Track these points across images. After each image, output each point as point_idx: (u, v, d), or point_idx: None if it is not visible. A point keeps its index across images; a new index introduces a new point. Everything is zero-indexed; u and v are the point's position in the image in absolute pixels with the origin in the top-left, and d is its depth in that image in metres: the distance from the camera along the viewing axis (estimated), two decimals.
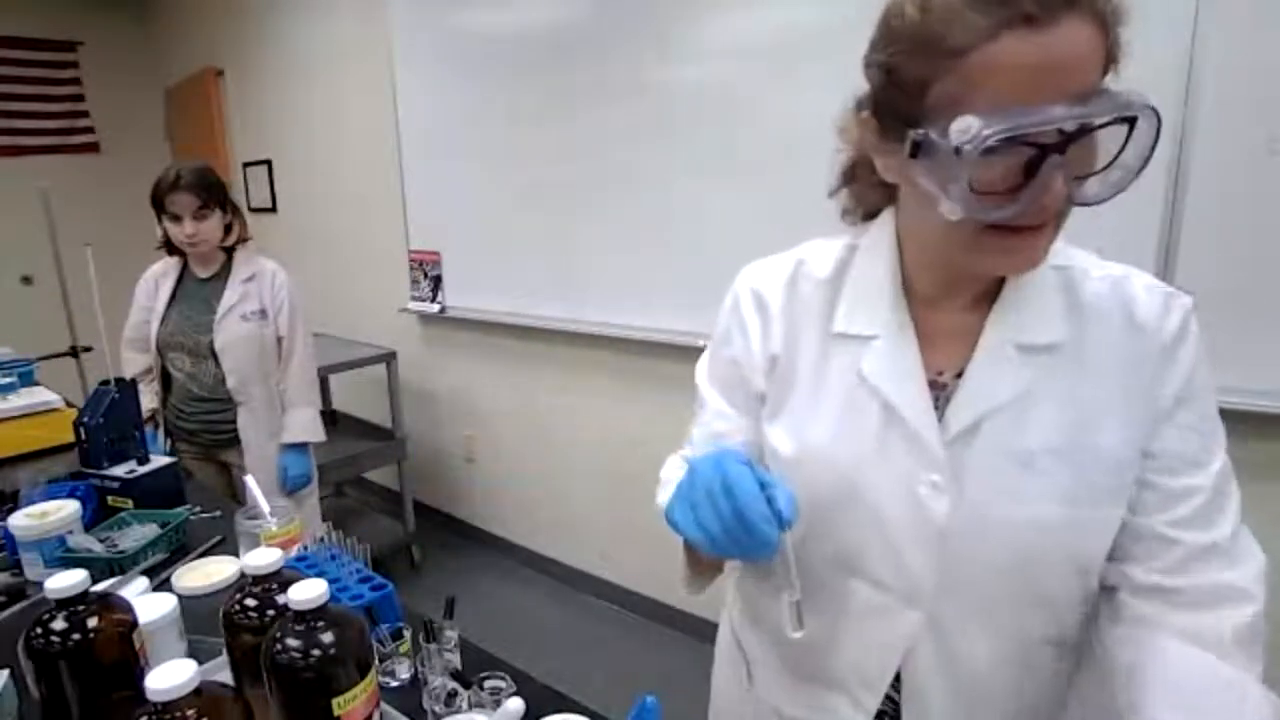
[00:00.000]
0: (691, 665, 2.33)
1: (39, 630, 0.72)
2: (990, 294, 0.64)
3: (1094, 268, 0.64)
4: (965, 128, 0.49)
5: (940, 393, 0.64)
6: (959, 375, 0.64)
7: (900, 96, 0.55)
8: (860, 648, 0.70)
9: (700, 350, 2.35)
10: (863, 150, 0.67)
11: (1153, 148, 0.52)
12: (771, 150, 1.91)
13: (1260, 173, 1.33)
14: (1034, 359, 0.62)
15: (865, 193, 0.72)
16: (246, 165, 4.03)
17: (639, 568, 2.59)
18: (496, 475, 3.04)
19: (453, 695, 0.81)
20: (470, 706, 0.80)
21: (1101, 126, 0.51)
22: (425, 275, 2.99)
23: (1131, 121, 0.51)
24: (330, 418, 3.04)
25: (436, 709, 0.80)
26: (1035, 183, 0.51)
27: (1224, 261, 1.38)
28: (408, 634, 0.94)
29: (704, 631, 2.39)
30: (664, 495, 0.74)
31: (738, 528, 0.55)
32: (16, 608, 1.08)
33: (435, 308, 2.97)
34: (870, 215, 0.72)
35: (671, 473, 0.81)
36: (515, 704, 0.68)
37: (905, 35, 0.54)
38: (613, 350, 2.45)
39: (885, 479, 0.64)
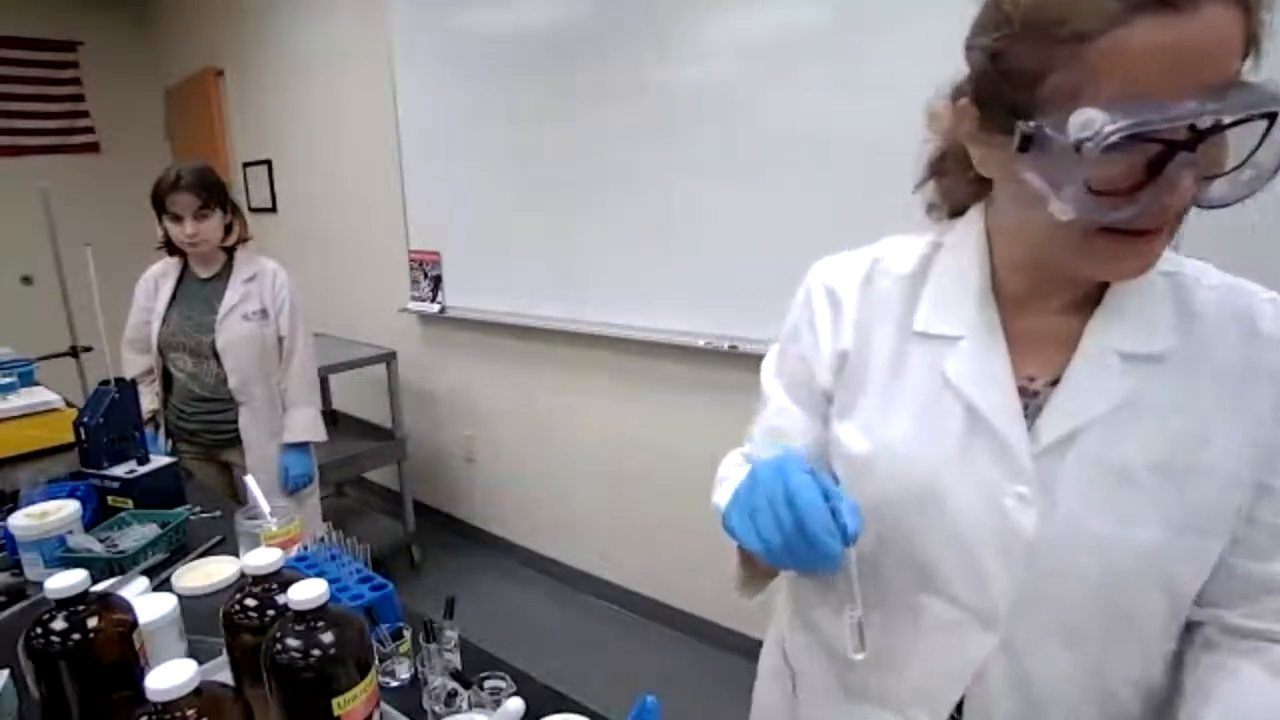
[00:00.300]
0: (691, 665, 2.34)
1: (39, 630, 0.72)
2: (1089, 298, 0.60)
3: (1205, 275, 0.61)
4: (1086, 122, 0.45)
5: (1030, 400, 0.60)
6: (1052, 383, 0.60)
7: (1008, 84, 0.51)
8: (925, 668, 0.65)
9: (700, 351, 2.35)
10: (955, 141, 0.62)
11: None
12: (771, 150, 1.91)
13: None
14: (1138, 368, 0.57)
15: (954, 187, 0.67)
16: (246, 165, 4.03)
17: (639, 568, 2.59)
18: (496, 475, 3.04)
19: (453, 695, 0.81)
20: (470, 706, 0.80)
21: (1240, 123, 0.47)
22: (425, 275, 2.99)
23: (1272, 117, 0.46)
24: (330, 418, 3.04)
25: (436, 709, 0.80)
26: (1159, 182, 0.47)
27: (1225, 263, 1.38)
28: (408, 634, 0.94)
29: (704, 631, 2.40)
30: (721, 495, 0.71)
31: (798, 540, 0.52)
32: (16, 608, 1.08)
33: (435, 308, 2.97)
34: (957, 212, 0.68)
35: (729, 470, 0.78)
36: (515, 704, 0.68)
37: (1019, 18, 0.49)
38: (613, 350, 2.45)
39: (966, 487, 0.60)
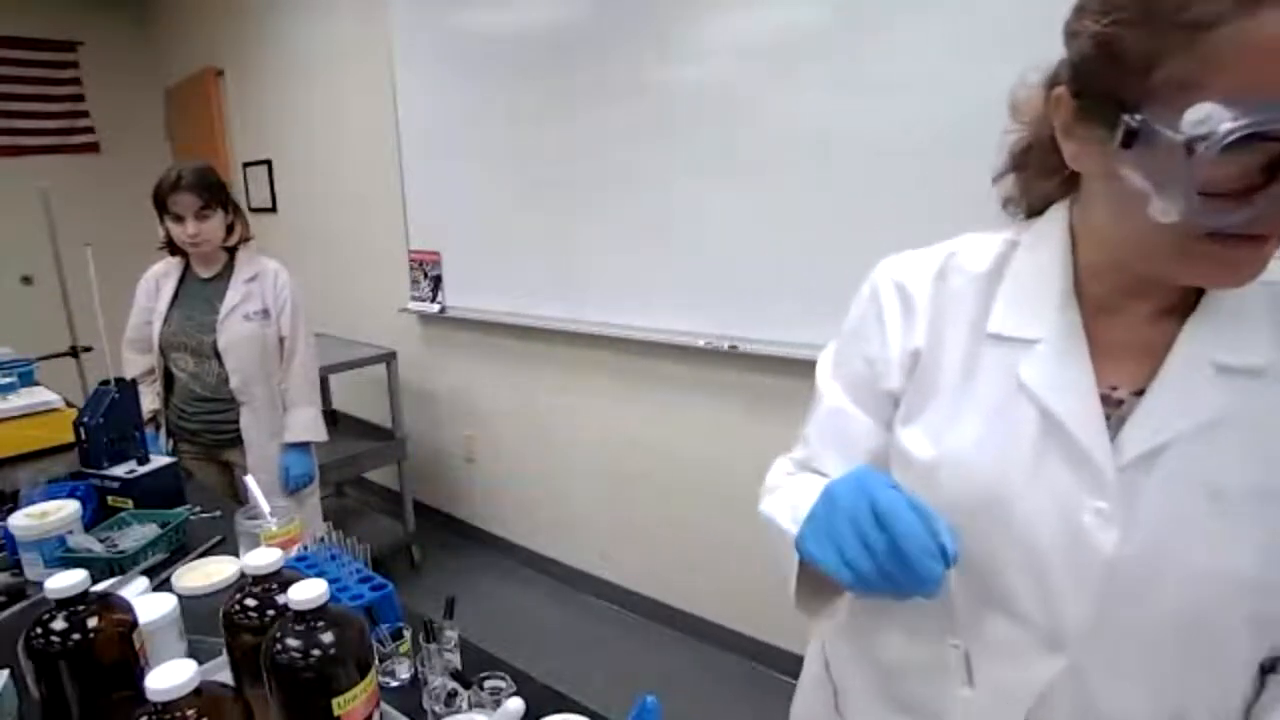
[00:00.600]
0: (691, 665, 2.34)
1: (39, 630, 0.72)
2: (1179, 306, 0.56)
3: None
4: (1203, 117, 0.42)
5: (1113, 410, 0.56)
6: (1137, 393, 0.56)
7: (1114, 73, 0.47)
8: (985, 688, 0.61)
9: (700, 351, 2.35)
10: (1042, 133, 0.59)
11: None
12: (771, 150, 1.91)
13: None
14: (1233, 382, 0.53)
15: (1035, 182, 0.63)
16: (246, 165, 4.03)
17: (639, 568, 2.59)
18: (496, 475, 3.04)
19: (453, 695, 0.81)
20: (470, 706, 0.80)
21: None
22: (425, 275, 2.99)
23: None
24: (330, 418, 3.03)
25: (436, 709, 0.80)
26: (1276, 185, 0.43)
27: None
28: (408, 634, 0.94)
29: (704, 631, 2.40)
30: (770, 505, 0.67)
31: (893, 564, 0.49)
32: (16, 608, 1.08)
33: (435, 308, 2.97)
34: (1035, 210, 0.64)
35: (778, 479, 0.73)
36: (515, 704, 0.68)
37: (1132, 1, 0.46)
38: (613, 350, 2.45)
39: (1038, 498, 0.56)
